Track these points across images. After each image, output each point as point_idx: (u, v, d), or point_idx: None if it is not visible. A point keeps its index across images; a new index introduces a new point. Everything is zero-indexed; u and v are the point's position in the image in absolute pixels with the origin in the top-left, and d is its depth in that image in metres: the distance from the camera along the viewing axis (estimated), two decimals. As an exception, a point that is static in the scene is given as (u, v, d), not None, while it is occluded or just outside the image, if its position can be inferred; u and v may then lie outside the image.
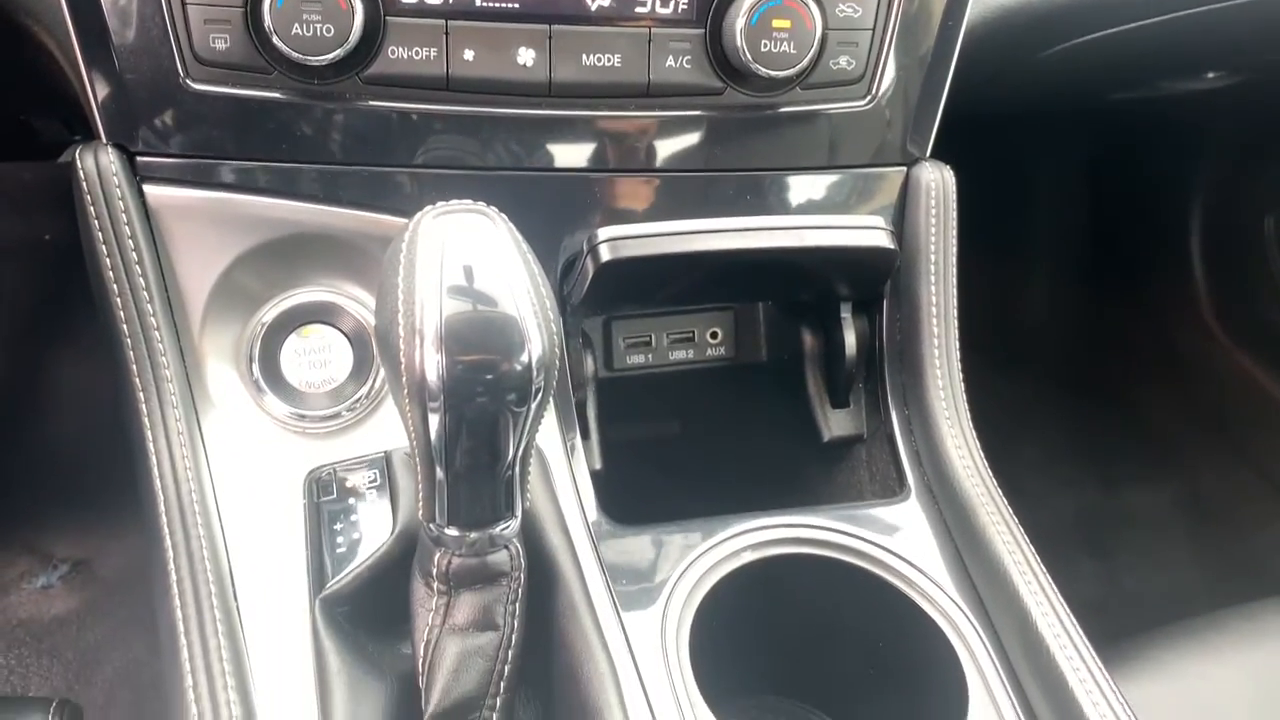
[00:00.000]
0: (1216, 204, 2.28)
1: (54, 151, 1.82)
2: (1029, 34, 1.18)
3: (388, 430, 0.99)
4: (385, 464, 0.95)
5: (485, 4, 0.89)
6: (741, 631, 0.95)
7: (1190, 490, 2.32)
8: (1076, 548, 2.23)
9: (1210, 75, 1.65)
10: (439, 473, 0.73)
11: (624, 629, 0.86)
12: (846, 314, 1.11)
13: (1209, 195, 2.29)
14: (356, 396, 0.99)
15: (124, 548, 2.01)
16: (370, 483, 0.94)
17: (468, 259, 0.67)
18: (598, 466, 1.05)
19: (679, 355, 1.22)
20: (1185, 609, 1.41)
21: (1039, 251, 2.50)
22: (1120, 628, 1.33)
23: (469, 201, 0.70)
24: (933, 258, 1.07)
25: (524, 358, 0.67)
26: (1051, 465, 2.33)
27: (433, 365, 0.66)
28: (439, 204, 0.69)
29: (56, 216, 1.95)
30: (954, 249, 1.08)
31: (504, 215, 0.70)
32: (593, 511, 0.97)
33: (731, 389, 1.27)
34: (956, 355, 1.07)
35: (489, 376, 0.67)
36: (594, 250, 0.97)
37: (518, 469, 0.75)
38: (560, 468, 0.98)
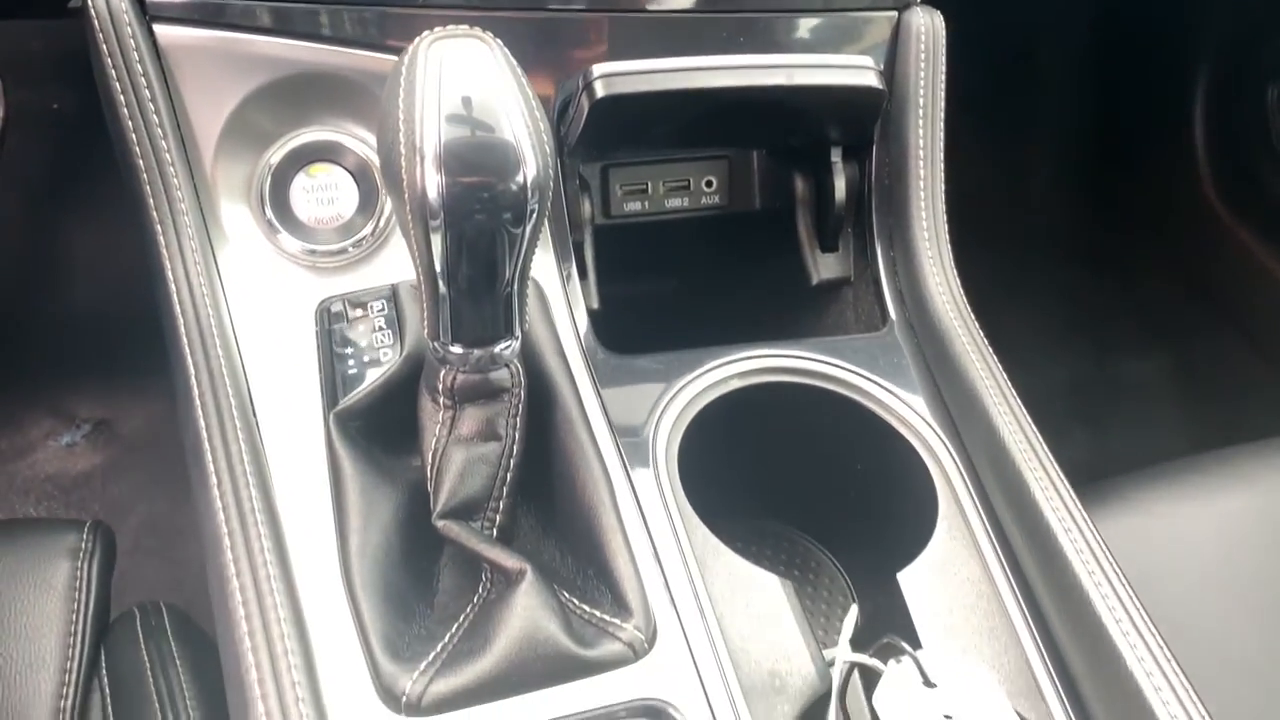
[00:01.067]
0: (1220, 74, 2.27)
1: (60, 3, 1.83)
2: None
3: (394, 265, 1.04)
4: (392, 294, 1.00)
5: None
6: (726, 458, 1.01)
7: (1182, 359, 2.36)
8: (1068, 414, 2.28)
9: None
10: (442, 288, 0.77)
11: (616, 441, 0.92)
12: (837, 159, 1.15)
13: (1212, 65, 2.28)
14: (363, 233, 1.04)
15: (145, 410, 2.08)
16: (379, 311, 0.99)
17: (465, 82, 0.71)
18: (595, 306, 1.10)
19: (674, 203, 1.26)
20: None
21: (1039, 123, 2.50)
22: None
23: (465, 26, 0.73)
24: (921, 101, 1.10)
25: (519, 179, 0.70)
26: (1046, 335, 2.37)
27: (433, 184, 0.70)
28: (435, 29, 0.72)
29: (65, 85, 1.96)
30: (943, 93, 1.11)
31: (499, 40, 0.73)
32: (588, 340, 1.03)
33: (725, 237, 1.31)
34: (942, 198, 1.10)
35: (486, 195, 0.71)
36: (589, 86, 1.00)
37: (516, 288, 0.79)
38: (558, 302, 1.03)
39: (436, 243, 0.73)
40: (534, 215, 0.73)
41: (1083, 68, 2.45)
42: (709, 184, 1.27)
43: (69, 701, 0.99)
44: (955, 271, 1.09)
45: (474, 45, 0.72)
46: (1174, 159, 2.37)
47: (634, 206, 1.24)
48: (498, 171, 0.70)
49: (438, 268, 0.75)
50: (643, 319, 1.16)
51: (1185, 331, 2.38)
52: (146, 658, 1.01)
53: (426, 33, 0.72)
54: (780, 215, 1.23)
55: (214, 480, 0.83)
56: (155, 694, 0.98)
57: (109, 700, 1.00)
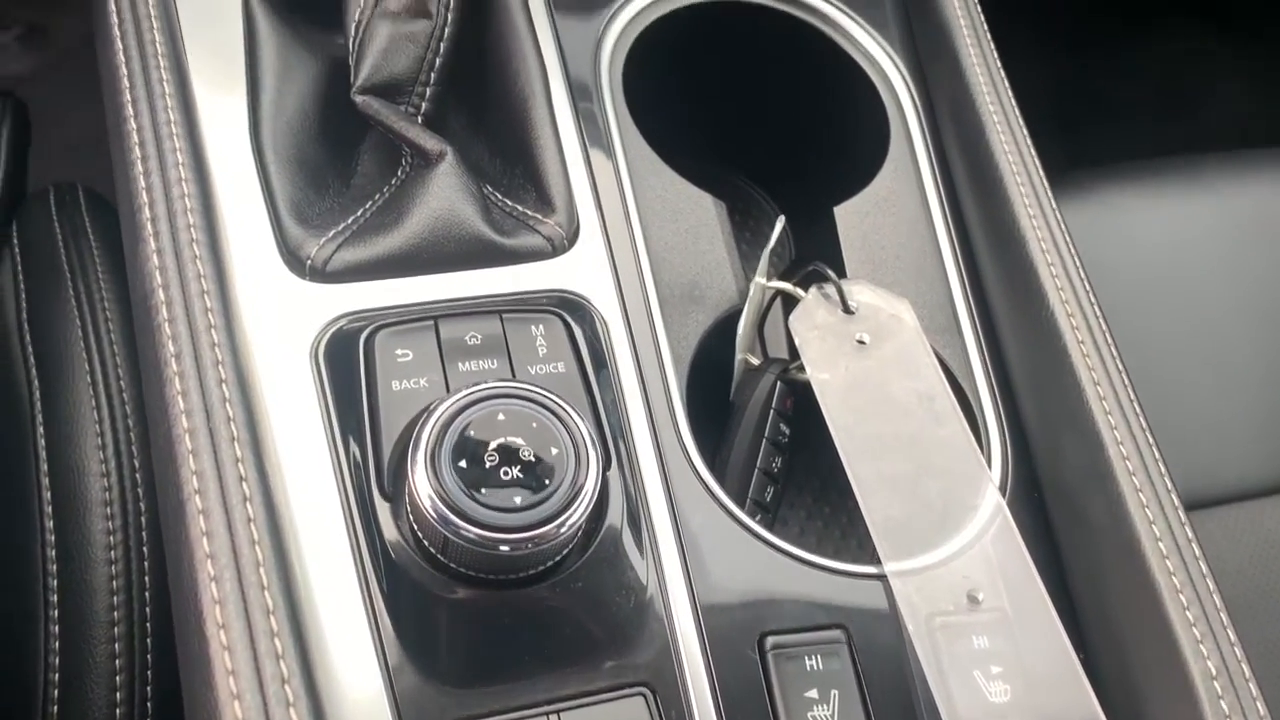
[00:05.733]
0: None
1: None
2: None
3: None
4: None
5: None
6: (676, 87, 0.95)
7: (1171, 73, 2.29)
8: (1040, 120, 2.21)
9: None
10: None
11: (556, 34, 0.85)
12: None
13: None
14: None
15: (85, 19, 1.95)
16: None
17: None
18: None
19: None
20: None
21: None
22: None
23: None
24: None
25: None
26: (1042, 40, 2.27)
27: None
28: None
29: None
30: None
31: None
32: None
33: None
34: None
35: None
36: None
37: None
38: None
39: None
40: None
41: None
42: None
43: (-23, 265, 0.96)
44: None
45: None
46: None
47: None
48: None
49: None
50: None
51: (1180, 51, 2.29)
52: (59, 229, 0.98)
53: None
54: None
55: (115, 20, 0.77)
56: (66, 263, 0.95)
57: (20, 267, 0.97)
